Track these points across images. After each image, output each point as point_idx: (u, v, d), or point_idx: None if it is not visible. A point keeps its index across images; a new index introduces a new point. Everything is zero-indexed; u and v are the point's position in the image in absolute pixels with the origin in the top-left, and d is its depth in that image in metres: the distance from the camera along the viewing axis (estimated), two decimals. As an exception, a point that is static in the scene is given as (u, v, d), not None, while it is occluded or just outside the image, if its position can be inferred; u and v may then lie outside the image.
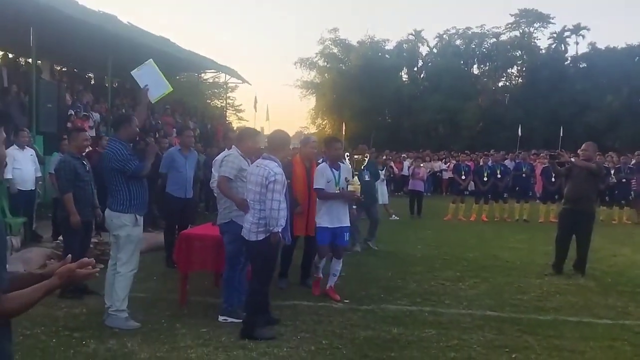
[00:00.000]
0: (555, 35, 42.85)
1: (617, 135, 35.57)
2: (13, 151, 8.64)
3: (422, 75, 44.59)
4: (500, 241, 11.22)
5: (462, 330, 5.31)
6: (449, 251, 9.89)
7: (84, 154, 6.53)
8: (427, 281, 7.44)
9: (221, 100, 34.10)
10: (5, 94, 12.45)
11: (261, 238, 4.93)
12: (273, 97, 70.89)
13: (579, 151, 8.34)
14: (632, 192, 14.96)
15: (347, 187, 6.41)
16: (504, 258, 9.35)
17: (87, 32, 13.87)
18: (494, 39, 43.10)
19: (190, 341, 4.87)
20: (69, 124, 12.77)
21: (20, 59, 17.47)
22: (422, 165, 16.56)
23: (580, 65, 42.23)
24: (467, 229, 13.16)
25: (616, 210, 15.00)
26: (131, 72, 5.71)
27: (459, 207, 15.04)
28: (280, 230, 4.91)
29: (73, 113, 13.86)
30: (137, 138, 5.68)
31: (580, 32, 42.53)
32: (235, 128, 22.76)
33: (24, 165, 8.91)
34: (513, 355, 4.73)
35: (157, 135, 14.94)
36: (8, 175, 8.54)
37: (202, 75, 27.35)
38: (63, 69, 19.64)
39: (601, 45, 41.41)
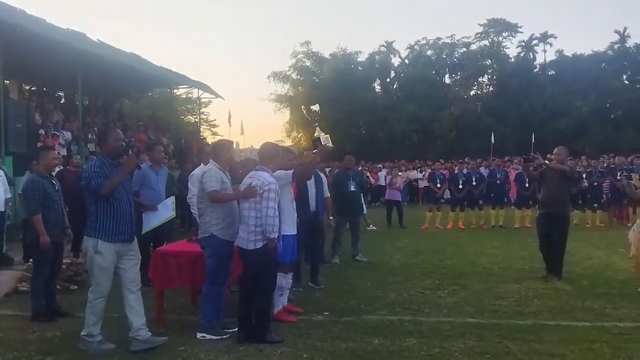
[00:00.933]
0: (523, 43, 43.62)
1: (587, 140, 36.28)
2: (-19, 173, 8.44)
3: (395, 86, 44.92)
4: (477, 248, 11.28)
5: (443, 339, 5.29)
6: (427, 259, 9.91)
7: (53, 173, 6.40)
8: (407, 290, 7.42)
9: (195, 116, 33.97)
10: (-28, 115, 12.20)
11: (259, 246, 5.11)
12: (247, 111, 70.58)
13: (551, 155, 8.45)
14: (604, 196, 15.22)
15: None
16: (482, 264, 9.40)
17: (55, 50, 13.71)
18: (464, 49, 43.67)
19: (167, 360, 4.76)
20: (39, 144, 12.56)
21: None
22: (400, 174, 16.64)
23: (549, 73, 43.09)
24: (444, 237, 13.22)
25: (589, 213, 15.23)
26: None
27: (436, 215, 15.13)
28: (276, 237, 5.10)
29: (43, 132, 13.64)
30: (122, 153, 5.22)
31: (548, 40, 43.39)
32: (210, 142, 22.63)
33: (-7, 187, 8.71)
34: (494, 362, 4.72)
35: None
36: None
37: (175, 91, 27.20)
38: (32, 88, 19.38)
39: (568, 53, 42.39)
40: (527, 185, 14.24)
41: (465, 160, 19.76)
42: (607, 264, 9.32)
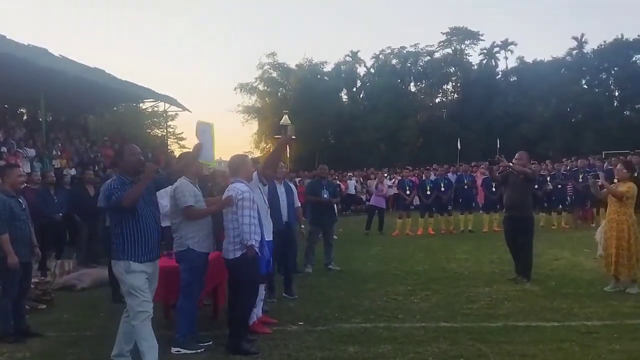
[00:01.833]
0: (485, 51, 44.55)
1: (550, 144, 37.13)
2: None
3: (361, 95, 45.33)
4: (447, 253, 11.42)
5: (417, 344, 5.35)
6: (399, 266, 9.99)
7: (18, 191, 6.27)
8: (380, 297, 7.47)
9: (162, 129, 33.62)
10: None
11: (238, 255, 5.16)
12: (215, 123, 69.80)
13: (513, 160, 8.64)
14: (568, 198, 15.59)
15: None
16: (453, 269, 9.53)
17: (16, 66, 13.45)
18: (428, 57, 44.33)
19: (142, 377, 4.70)
20: (1, 162, 12.27)
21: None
22: (390, 179, 16.78)
23: (511, 79, 44.06)
24: (415, 243, 13.34)
25: (554, 216, 15.57)
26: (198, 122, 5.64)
27: (406, 222, 15.26)
28: (255, 244, 5.15)
29: (5, 150, 13.35)
30: (141, 169, 4.83)
31: (509, 47, 44.42)
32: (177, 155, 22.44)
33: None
34: (468, 364, 4.79)
35: (97, 168, 14.56)
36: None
37: (141, 104, 26.93)
38: (-7, 106, 18.92)
39: (529, 59, 43.51)
40: (494, 189, 14.47)
41: (433, 167, 20.02)
42: (574, 265, 9.55)
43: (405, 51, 44.25)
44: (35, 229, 6.42)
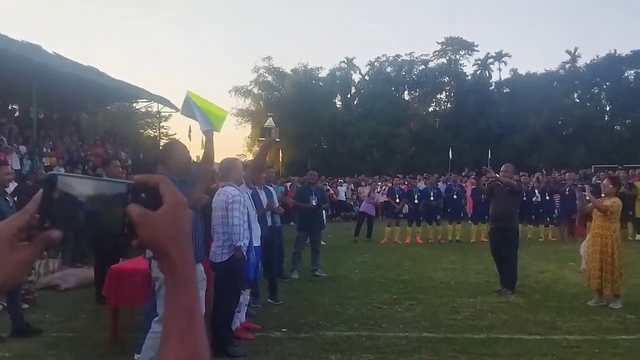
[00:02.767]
0: (479, 62, 44.79)
1: (541, 156, 37.31)
2: None
3: (355, 102, 45.40)
4: (434, 262, 11.45)
5: (399, 354, 5.37)
6: (386, 274, 10.01)
7: (7, 189, 6.24)
8: (365, 305, 7.49)
9: (154, 130, 33.53)
10: None
11: (225, 259, 5.26)
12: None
13: (500, 172, 8.71)
14: (555, 210, 15.68)
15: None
16: (439, 279, 9.56)
17: (9, 62, 13.39)
18: (423, 66, 44.52)
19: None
20: (-10, 158, 12.19)
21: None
22: (378, 189, 16.84)
23: (504, 90, 44.23)
24: (402, 251, 13.37)
25: (542, 228, 15.65)
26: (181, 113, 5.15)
27: (395, 230, 15.28)
28: (242, 246, 5.24)
29: (-5, 147, 13.27)
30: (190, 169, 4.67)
31: (503, 59, 44.68)
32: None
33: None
34: (448, 375, 4.81)
35: (86, 167, 14.50)
36: None
37: (134, 104, 26.85)
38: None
39: (522, 71, 43.72)
40: (483, 200, 14.51)
41: (424, 175, 20.08)
42: (559, 278, 9.60)
43: (400, 59, 44.44)
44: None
